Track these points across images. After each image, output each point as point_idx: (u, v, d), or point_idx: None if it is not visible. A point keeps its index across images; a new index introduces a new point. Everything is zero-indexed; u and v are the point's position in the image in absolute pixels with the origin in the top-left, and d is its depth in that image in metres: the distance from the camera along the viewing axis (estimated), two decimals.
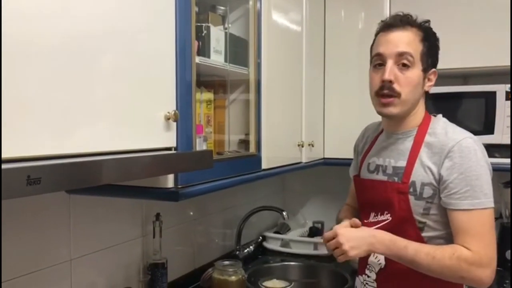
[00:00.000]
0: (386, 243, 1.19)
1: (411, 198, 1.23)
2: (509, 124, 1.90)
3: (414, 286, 1.24)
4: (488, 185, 1.18)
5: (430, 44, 1.27)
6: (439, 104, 2.04)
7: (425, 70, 1.25)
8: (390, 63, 1.22)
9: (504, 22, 1.92)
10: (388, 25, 1.26)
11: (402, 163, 1.27)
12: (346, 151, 2.16)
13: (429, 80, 1.28)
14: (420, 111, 1.30)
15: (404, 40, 1.23)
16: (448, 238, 1.23)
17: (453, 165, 1.18)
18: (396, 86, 1.22)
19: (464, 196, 1.16)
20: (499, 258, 2.07)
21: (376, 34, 1.30)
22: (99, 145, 0.90)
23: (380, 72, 1.24)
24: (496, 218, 2.18)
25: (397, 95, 1.22)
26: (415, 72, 1.23)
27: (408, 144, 1.28)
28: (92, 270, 1.40)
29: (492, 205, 1.18)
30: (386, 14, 2.12)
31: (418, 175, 1.23)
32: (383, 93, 1.23)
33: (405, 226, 1.24)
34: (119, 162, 0.87)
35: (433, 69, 1.28)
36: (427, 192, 1.22)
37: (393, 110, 1.24)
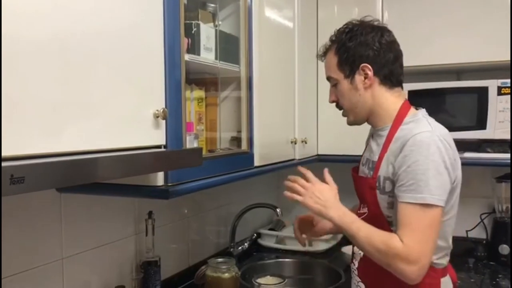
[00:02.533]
0: (339, 213, 1.25)
1: (378, 192, 1.26)
2: (501, 119, 1.91)
3: (389, 275, 1.21)
4: (435, 181, 1.14)
5: (345, 48, 1.30)
6: (433, 100, 2.05)
7: (349, 76, 1.30)
8: (330, 87, 1.39)
9: (497, 18, 1.92)
10: (319, 57, 1.42)
11: (376, 157, 1.29)
12: (340, 148, 2.17)
13: (365, 76, 1.28)
14: (386, 104, 1.30)
15: (325, 66, 1.38)
16: None
17: (403, 157, 1.17)
18: (340, 102, 1.37)
19: (409, 189, 1.15)
20: (493, 253, 2.12)
21: None
22: (87, 143, 0.90)
23: None
24: (489, 213, 2.23)
25: (342, 108, 1.37)
26: (342, 85, 1.33)
27: (382, 139, 1.30)
28: (84, 268, 1.40)
29: (438, 203, 1.14)
30: (379, 9, 2.12)
31: (382, 170, 1.25)
32: (338, 109, 1.40)
33: (377, 220, 1.25)
34: (107, 160, 0.87)
35: (363, 64, 1.28)
36: (388, 186, 1.23)
37: (347, 120, 1.39)
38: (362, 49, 1.29)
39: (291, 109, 1.92)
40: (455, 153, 1.21)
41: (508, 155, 1.91)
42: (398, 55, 1.32)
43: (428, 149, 1.15)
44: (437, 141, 1.16)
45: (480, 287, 1.87)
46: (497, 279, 1.93)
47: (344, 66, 1.31)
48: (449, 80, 2.14)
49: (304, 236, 1.60)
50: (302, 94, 1.99)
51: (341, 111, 1.38)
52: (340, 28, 1.35)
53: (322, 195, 1.28)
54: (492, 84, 1.93)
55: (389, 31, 1.32)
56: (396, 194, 1.19)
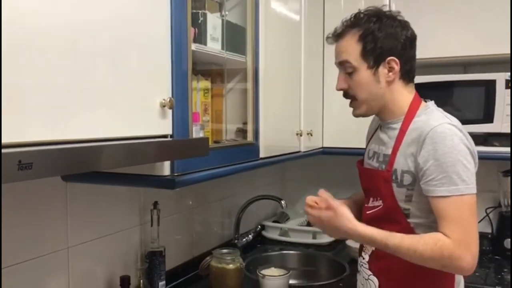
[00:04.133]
0: (365, 241, 1.25)
1: (394, 185, 1.24)
2: (508, 113, 1.89)
3: (403, 269, 1.23)
4: (466, 171, 1.15)
5: (373, 38, 1.24)
6: (439, 92, 2.03)
7: (373, 66, 1.25)
8: (339, 73, 1.32)
9: (504, 11, 1.90)
10: (328, 38, 1.35)
11: (389, 151, 1.27)
12: (345, 140, 2.17)
13: (389, 69, 1.25)
14: (401, 99, 1.28)
15: (341, 49, 1.29)
16: (434, 225, 1.21)
17: (428, 151, 1.16)
18: (350, 91, 1.30)
19: (441, 183, 1.14)
20: (497, 247, 2.12)
21: None
22: (93, 131, 0.90)
23: None
24: (494, 207, 2.22)
25: (354, 98, 1.30)
26: (360, 73, 1.26)
27: (395, 132, 1.28)
28: (89, 258, 1.41)
29: (472, 191, 1.15)
30: (387, 2, 2.10)
31: (399, 163, 1.24)
32: (345, 97, 1.33)
33: (393, 213, 1.25)
34: (114, 148, 0.87)
35: (390, 57, 1.25)
36: (407, 179, 1.22)
37: (357, 112, 1.33)
38: (391, 41, 1.25)
39: (296, 101, 1.92)
40: (472, 140, 1.22)
41: None
42: (416, 51, 1.31)
43: (452, 140, 1.15)
44: (456, 131, 1.17)
45: (485, 281, 1.87)
46: (502, 273, 1.93)
47: (369, 56, 1.25)
48: (456, 73, 2.12)
49: None
50: (307, 87, 1.98)
51: (349, 101, 1.34)
52: (360, 14, 1.28)
53: (331, 225, 1.26)
54: (499, 77, 1.92)
55: (411, 27, 1.30)
56: (426, 189, 1.18)
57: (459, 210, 1.14)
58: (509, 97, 1.90)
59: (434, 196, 1.16)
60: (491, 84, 1.93)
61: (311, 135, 2.01)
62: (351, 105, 1.33)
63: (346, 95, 1.32)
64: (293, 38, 1.88)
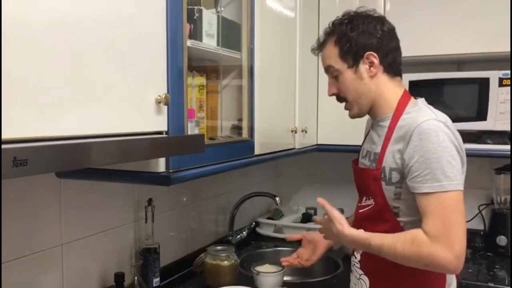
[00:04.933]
0: (352, 244, 1.29)
1: (383, 183, 1.24)
2: (502, 111, 1.91)
3: (393, 268, 1.22)
4: (451, 167, 1.13)
5: (347, 39, 1.28)
6: (433, 90, 2.04)
7: (353, 65, 1.28)
8: (328, 80, 1.37)
9: (498, 9, 1.91)
10: (312, 51, 1.41)
11: (379, 149, 1.28)
12: (339, 138, 2.17)
13: (370, 64, 1.27)
14: (388, 94, 1.29)
15: (323, 57, 1.36)
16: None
17: (413, 148, 1.16)
18: (340, 94, 1.34)
19: (425, 179, 1.13)
20: (490, 244, 2.13)
21: None
22: (88, 128, 0.89)
23: None
24: (487, 204, 2.23)
25: (345, 100, 1.34)
26: (344, 75, 1.30)
27: (384, 130, 1.28)
28: (84, 255, 1.40)
29: (457, 187, 1.13)
30: (381, 0, 2.10)
31: (387, 161, 1.24)
32: (339, 101, 1.37)
33: (383, 211, 1.25)
34: (109, 145, 0.86)
35: (367, 53, 1.26)
36: (395, 177, 1.22)
37: (351, 113, 1.36)
38: (365, 38, 1.27)
39: (291, 98, 1.92)
40: (460, 137, 1.21)
41: (508, 147, 1.92)
42: (398, 43, 1.32)
43: (437, 136, 1.14)
44: (443, 127, 1.16)
45: (477, 277, 1.88)
46: (495, 270, 1.94)
47: (347, 56, 1.28)
48: (450, 70, 2.13)
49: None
50: (302, 84, 1.98)
51: (343, 104, 1.36)
52: (335, 20, 1.33)
53: (329, 234, 1.34)
54: (493, 75, 1.93)
55: (387, 20, 1.32)
56: (411, 186, 1.17)
57: (441, 206, 1.12)
58: (502, 95, 1.91)
59: (418, 192, 1.15)
60: (485, 82, 1.94)
61: (306, 132, 2.01)
62: (345, 107, 1.36)
63: (339, 98, 1.36)
64: (288, 35, 1.88)
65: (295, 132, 1.92)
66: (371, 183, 1.27)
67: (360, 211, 1.35)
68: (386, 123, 1.28)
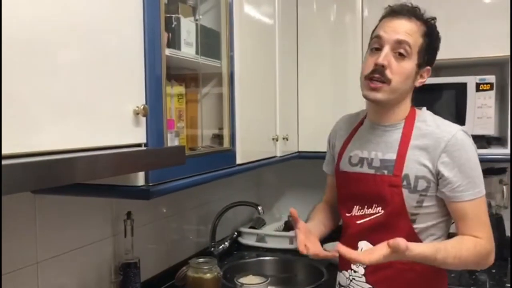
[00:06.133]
0: (417, 259, 1.13)
1: (405, 191, 1.22)
2: (480, 115, 1.93)
3: (403, 279, 1.25)
4: (481, 173, 1.23)
5: (431, 41, 1.25)
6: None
7: (420, 65, 1.24)
8: (386, 48, 1.21)
9: (473, 15, 1.94)
10: (393, 11, 1.25)
11: (392, 155, 1.25)
12: (320, 144, 2.15)
13: (421, 76, 1.27)
14: (407, 104, 1.30)
15: (406, 29, 1.21)
16: (439, 227, 1.26)
17: (452, 159, 1.20)
18: (388, 73, 1.20)
19: (467, 188, 1.20)
20: None
21: (381, 19, 1.29)
22: (64, 142, 0.85)
23: (376, 56, 1.22)
24: None
25: (387, 81, 1.21)
26: (410, 63, 1.22)
27: (396, 136, 1.27)
28: (61, 272, 1.34)
29: (485, 190, 1.24)
30: (359, 6, 2.11)
31: (411, 168, 1.22)
32: (373, 76, 1.21)
33: (397, 219, 1.24)
34: (85, 160, 0.82)
35: (428, 67, 1.27)
36: (422, 185, 1.22)
37: (380, 96, 1.22)
38: (436, 53, 1.30)
39: (272, 105, 1.90)
40: None
41: (485, 151, 1.94)
42: None
43: (470, 145, 1.22)
44: (469, 137, 1.25)
45: (460, 282, 1.89)
46: (476, 273, 1.95)
47: (424, 55, 1.24)
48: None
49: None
50: (283, 91, 1.97)
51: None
52: (423, 11, 1.26)
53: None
54: (470, 81, 1.95)
55: None
56: (451, 196, 1.21)
57: (483, 210, 1.23)
58: (479, 100, 1.93)
59: (460, 201, 1.21)
60: (462, 87, 1.96)
61: (287, 139, 2.00)
62: (376, 86, 1.21)
63: (379, 72, 1.20)
64: (267, 42, 1.86)
65: (277, 140, 1.90)
66: (386, 190, 1.24)
67: (360, 221, 1.30)
68: (398, 130, 1.27)
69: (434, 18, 1.27)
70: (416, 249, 1.09)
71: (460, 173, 1.19)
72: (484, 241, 1.20)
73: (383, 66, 1.19)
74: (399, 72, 1.20)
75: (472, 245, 1.19)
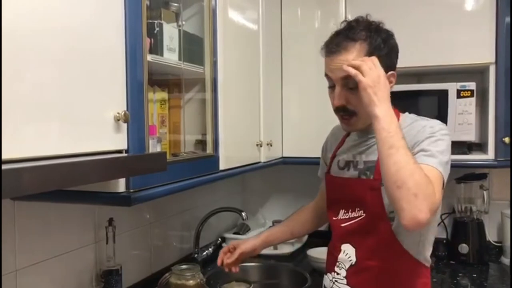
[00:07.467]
0: (393, 119, 1.11)
1: (383, 190, 1.20)
2: (461, 122, 1.96)
3: (383, 282, 1.25)
4: (446, 155, 1.16)
5: (380, 49, 1.20)
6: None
7: None
8: (337, 89, 1.22)
9: (453, 23, 1.97)
10: (328, 51, 1.23)
11: (373, 157, 1.25)
12: (304, 150, 2.17)
13: (390, 82, 1.22)
14: None
15: (348, 62, 1.17)
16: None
17: (424, 137, 1.17)
18: (350, 107, 1.23)
19: (429, 155, 1.13)
20: (452, 252, 2.17)
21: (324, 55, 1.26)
22: (43, 149, 0.84)
23: (333, 94, 1.24)
24: (449, 213, 2.27)
25: (353, 114, 1.24)
26: None
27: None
28: (40, 280, 1.32)
29: (444, 172, 1.14)
30: (342, 12, 2.13)
31: None
32: (340, 114, 1.26)
33: (377, 221, 1.24)
34: (64, 167, 0.81)
35: (391, 72, 1.23)
36: None
37: (353, 127, 1.28)
38: (393, 55, 1.25)
39: (256, 111, 1.90)
40: None
41: (466, 157, 1.98)
42: None
43: (445, 133, 1.19)
44: (447, 130, 1.21)
45: (442, 286, 1.91)
46: (458, 278, 1.98)
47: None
48: (410, 83, 2.17)
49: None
50: (266, 96, 1.97)
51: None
52: (360, 24, 1.22)
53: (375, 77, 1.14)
54: (451, 87, 1.98)
55: None
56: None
57: (437, 182, 1.11)
58: (461, 106, 1.96)
59: (421, 163, 1.11)
60: (444, 94, 1.99)
61: (271, 145, 2.00)
62: (346, 121, 1.25)
63: (344, 110, 1.23)
64: (251, 47, 1.87)
65: (261, 146, 1.90)
66: (367, 193, 1.25)
67: (344, 224, 1.31)
68: None
69: (376, 25, 1.24)
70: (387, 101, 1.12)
71: (427, 139, 1.15)
72: (433, 185, 1.08)
73: (341, 106, 1.23)
74: (359, 103, 1.17)
75: (423, 171, 1.08)
